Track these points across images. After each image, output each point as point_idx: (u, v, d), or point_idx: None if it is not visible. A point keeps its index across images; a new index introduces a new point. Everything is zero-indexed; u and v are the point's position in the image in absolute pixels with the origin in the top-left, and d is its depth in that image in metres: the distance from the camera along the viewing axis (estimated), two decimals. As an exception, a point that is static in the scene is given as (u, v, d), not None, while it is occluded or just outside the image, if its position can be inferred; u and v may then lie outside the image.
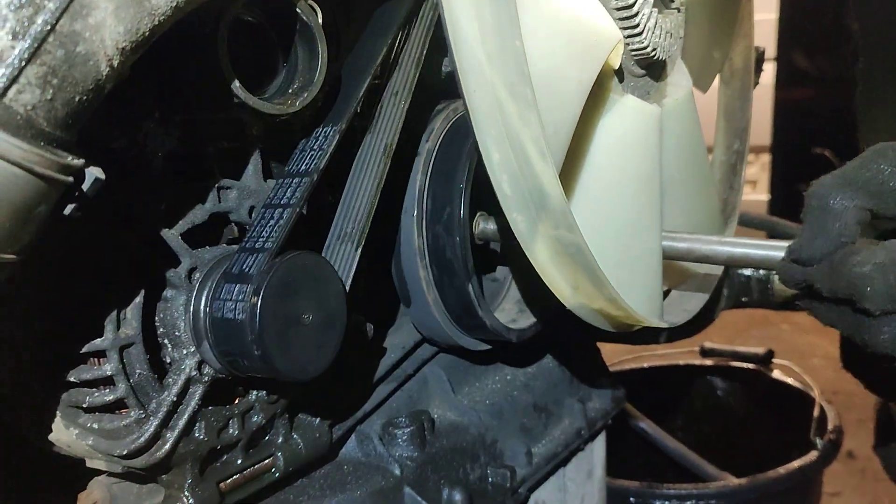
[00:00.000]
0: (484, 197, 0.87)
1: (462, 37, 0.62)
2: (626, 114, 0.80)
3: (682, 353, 2.24)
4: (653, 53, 0.79)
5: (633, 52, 0.79)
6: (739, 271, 1.42)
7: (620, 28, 0.76)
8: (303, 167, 0.69)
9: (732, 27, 1.11)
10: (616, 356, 2.17)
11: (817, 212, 0.67)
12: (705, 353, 2.23)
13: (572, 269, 0.69)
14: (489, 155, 0.65)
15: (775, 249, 0.73)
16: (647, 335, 1.44)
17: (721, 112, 1.18)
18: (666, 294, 1.00)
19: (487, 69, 0.62)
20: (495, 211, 0.89)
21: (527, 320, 0.96)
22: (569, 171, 0.78)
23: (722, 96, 1.18)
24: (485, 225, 0.89)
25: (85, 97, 0.45)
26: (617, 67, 0.78)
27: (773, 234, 1.51)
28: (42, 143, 0.44)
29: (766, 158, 5.06)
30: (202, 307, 0.64)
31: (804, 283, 0.68)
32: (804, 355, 3.28)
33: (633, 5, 0.75)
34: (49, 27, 0.42)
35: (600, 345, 1.31)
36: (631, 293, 0.73)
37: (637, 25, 0.77)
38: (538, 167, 0.63)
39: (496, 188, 0.66)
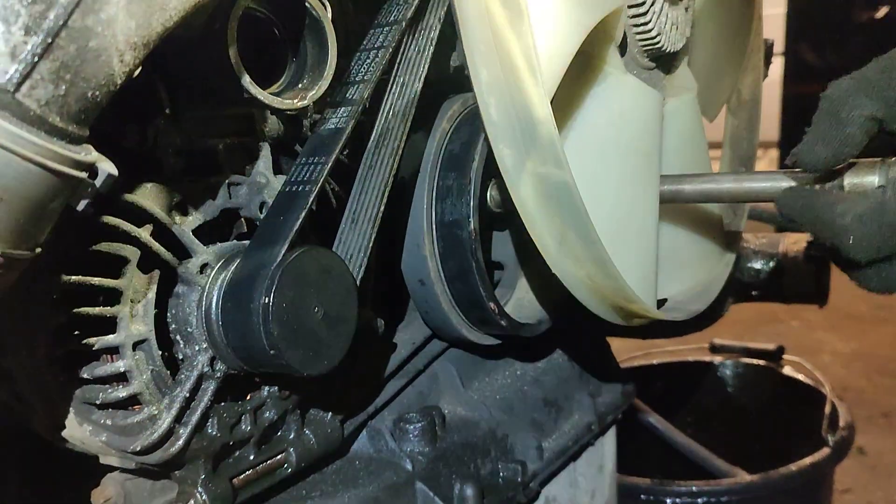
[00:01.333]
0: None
1: None
2: (625, 91, 0.78)
3: (691, 350, 2.23)
4: (658, 40, 0.79)
5: (639, 35, 0.79)
6: (749, 265, 1.42)
7: (628, 6, 0.76)
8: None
9: (741, 59, 1.11)
10: (626, 352, 2.17)
11: (826, 116, 0.64)
12: (715, 349, 2.23)
13: (559, 215, 0.64)
14: (477, 73, 0.61)
15: (779, 181, 0.70)
16: (659, 330, 1.44)
17: (727, 140, 1.18)
18: (662, 302, 0.99)
19: None
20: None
21: (537, 314, 0.96)
22: (562, 139, 0.73)
23: (728, 126, 1.18)
24: (492, 192, 0.87)
25: (97, 92, 0.45)
26: (619, 42, 0.77)
27: (783, 227, 1.50)
28: (55, 139, 0.44)
29: (774, 154, 5.05)
30: (214, 303, 0.64)
31: (796, 224, 0.67)
32: (813, 352, 3.27)
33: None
34: (61, 22, 0.42)
35: (610, 340, 1.30)
36: (624, 269, 0.70)
37: (643, 4, 0.76)
38: (528, 85, 0.59)
39: (483, 114, 0.62)
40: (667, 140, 0.85)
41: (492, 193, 0.88)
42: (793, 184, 0.69)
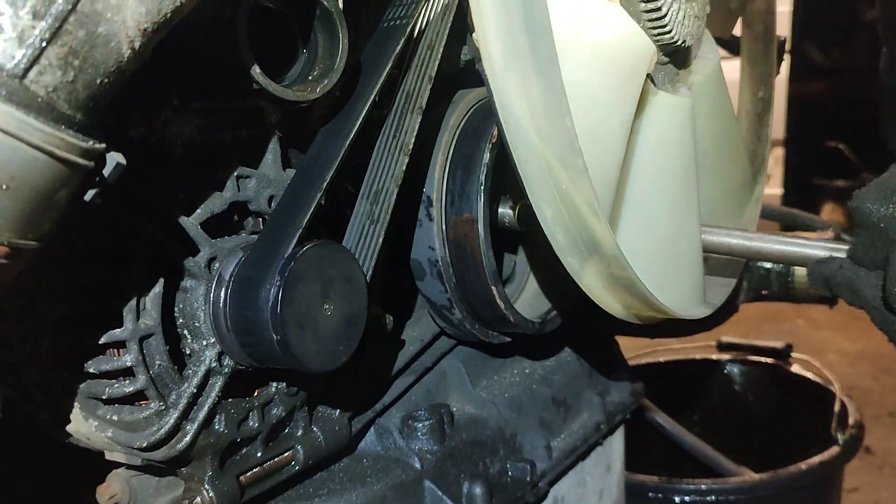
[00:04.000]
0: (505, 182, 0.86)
1: (511, 115, 0.64)
2: (660, 112, 0.80)
3: (698, 348, 2.22)
4: (675, 37, 0.78)
5: (656, 36, 0.78)
6: (759, 264, 1.40)
7: (648, 27, 0.76)
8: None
9: None
10: (632, 351, 2.15)
11: (864, 227, 0.68)
12: (723, 347, 2.21)
13: (624, 295, 0.72)
14: (542, 212, 0.67)
15: (827, 250, 0.74)
16: (667, 328, 1.42)
17: (745, 57, 1.16)
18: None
19: (539, 145, 0.64)
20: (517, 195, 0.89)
21: (547, 312, 0.95)
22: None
23: (745, 40, 1.15)
24: (504, 210, 0.89)
25: (106, 79, 0.44)
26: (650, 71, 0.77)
27: (795, 225, 1.49)
28: (63, 126, 0.43)
29: (779, 152, 5.03)
30: (222, 297, 0.63)
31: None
32: (819, 351, 3.25)
33: (660, 7, 0.75)
34: (70, 6, 0.41)
35: (616, 339, 1.29)
36: (675, 289, 0.77)
37: (665, 24, 0.76)
38: (591, 222, 0.66)
39: (550, 238, 0.68)
40: (696, 117, 0.85)
41: (503, 211, 0.89)
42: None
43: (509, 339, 0.95)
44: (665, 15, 0.75)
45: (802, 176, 4.90)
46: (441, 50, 0.76)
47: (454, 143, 0.86)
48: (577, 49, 0.70)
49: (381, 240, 0.72)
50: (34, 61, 0.40)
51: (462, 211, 0.83)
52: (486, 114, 0.86)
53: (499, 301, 0.85)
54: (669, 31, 0.77)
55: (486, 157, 0.83)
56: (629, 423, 1.25)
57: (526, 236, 0.97)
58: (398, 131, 0.74)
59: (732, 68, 1.13)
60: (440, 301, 0.87)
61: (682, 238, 0.85)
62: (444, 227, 0.84)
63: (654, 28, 0.77)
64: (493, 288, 0.84)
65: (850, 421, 1.78)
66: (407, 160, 0.74)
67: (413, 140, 0.75)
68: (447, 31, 0.76)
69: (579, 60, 0.71)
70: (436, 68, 0.76)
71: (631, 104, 0.75)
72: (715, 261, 1.02)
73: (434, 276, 0.85)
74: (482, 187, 0.82)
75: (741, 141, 1.09)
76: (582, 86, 0.70)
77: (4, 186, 0.41)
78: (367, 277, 0.69)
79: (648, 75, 0.79)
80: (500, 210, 0.89)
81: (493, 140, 0.83)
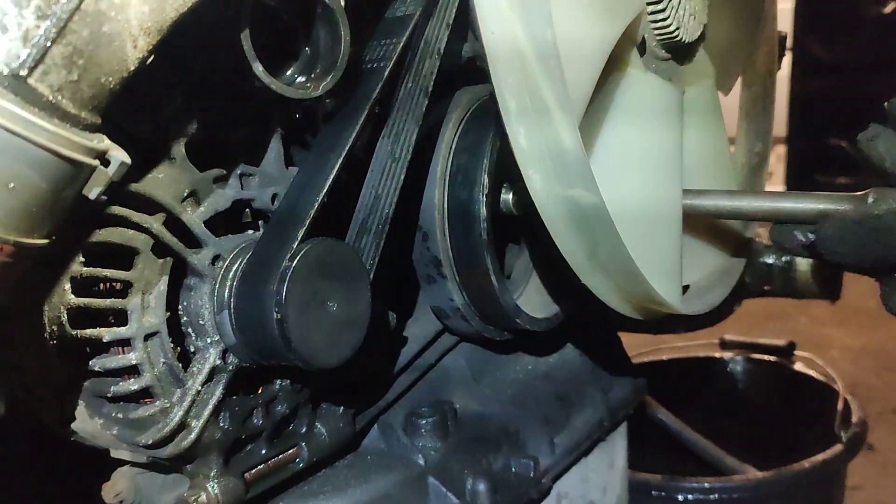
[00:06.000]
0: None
1: None
2: (646, 91, 0.78)
3: (701, 346, 2.22)
4: (677, 33, 0.78)
5: (657, 32, 0.78)
6: (761, 259, 1.40)
7: (648, 17, 0.76)
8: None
9: (755, 28, 1.09)
10: (635, 349, 2.15)
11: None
12: (725, 345, 2.21)
13: (589, 233, 0.66)
14: (506, 104, 0.62)
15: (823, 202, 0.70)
16: (670, 324, 1.43)
17: (742, 114, 1.17)
18: (685, 289, 0.99)
19: (508, 10, 0.60)
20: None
21: (550, 309, 0.95)
22: (585, 144, 0.75)
23: (744, 98, 1.16)
24: (506, 196, 0.87)
25: (110, 78, 0.44)
26: (639, 42, 0.76)
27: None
28: (68, 126, 0.43)
29: (781, 150, 5.02)
30: (226, 295, 0.64)
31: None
32: (822, 347, 3.24)
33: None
34: (74, 6, 0.41)
35: (619, 336, 1.29)
36: (651, 271, 0.70)
37: (666, 17, 0.76)
38: (557, 117, 0.60)
39: (512, 141, 0.63)
40: (686, 129, 0.84)
41: (505, 196, 0.87)
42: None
43: (512, 336, 0.95)
44: (665, 8, 0.75)
45: (804, 173, 4.89)
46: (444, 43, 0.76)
47: (457, 137, 0.86)
48: None
49: (384, 236, 0.72)
50: (39, 61, 0.41)
51: (466, 205, 0.83)
52: (491, 111, 0.86)
53: (504, 299, 0.86)
54: (668, 22, 0.77)
55: (490, 153, 0.83)
56: (632, 421, 1.25)
57: (528, 231, 0.97)
58: (401, 126, 0.74)
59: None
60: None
61: (659, 219, 0.81)
62: (446, 222, 0.84)
63: (655, 20, 0.77)
64: (496, 285, 0.84)
65: (854, 419, 1.78)
66: (410, 155, 0.74)
67: (416, 135, 0.75)
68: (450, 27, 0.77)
69: None
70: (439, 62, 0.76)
71: (615, 27, 0.70)
72: (716, 257, 1.02)
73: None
74: (486, 184, 0.82)
75: (732, 167, 1.09)
76: None
77: (10, 186, 0.41)
78: (371, 273, 0.70)
79: (638, 52, 0.78)
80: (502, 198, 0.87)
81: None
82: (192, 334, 0.65)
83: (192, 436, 0.64)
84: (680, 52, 0.84)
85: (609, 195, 0.64)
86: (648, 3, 0.75)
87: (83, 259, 0.58)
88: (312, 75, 0.68)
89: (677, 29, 0.78)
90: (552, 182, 0.63)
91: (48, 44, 0.41)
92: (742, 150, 1.17)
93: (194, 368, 0.64)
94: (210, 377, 0.65)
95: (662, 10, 0.76)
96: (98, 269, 0.60)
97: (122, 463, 0.69)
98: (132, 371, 0.62)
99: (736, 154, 1.17)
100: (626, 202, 0.75)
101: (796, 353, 2.12)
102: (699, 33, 0.82)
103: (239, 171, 0.67)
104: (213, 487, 0.67)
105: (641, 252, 0.69)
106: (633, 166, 0.80)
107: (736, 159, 1.17)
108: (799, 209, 0.72)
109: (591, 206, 0.63)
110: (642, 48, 0.79)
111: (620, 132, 0.77)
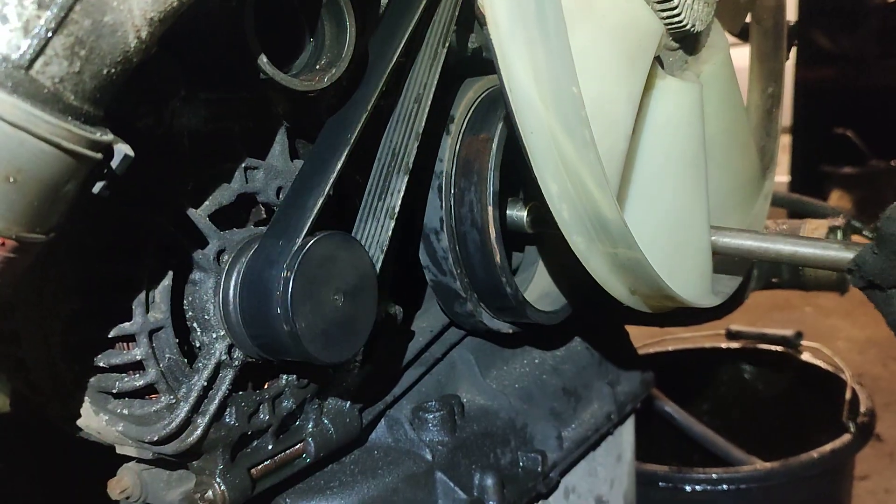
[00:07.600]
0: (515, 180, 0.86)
1: (517, 81, 0.63)
2: (668, 97, 0.79)
3: (707, 336, 2.21)
4: (692, 28, 0.77)
5: (666, 22, 0.77)
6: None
7: (658, 10, 0.75)
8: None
9: None
10: (641, 340, 2.14)
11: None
12: (732, 335, 2.20)
13: (631, 279, 0.70)
14: (547, 186, 0.66)
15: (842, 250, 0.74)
16: (677, 317, 1.42)
17: (754, 54, 1.14)
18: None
19: (544, 113, 0.62)
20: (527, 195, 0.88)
21: (557, 303, 0.95)
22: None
23: (754, 37, 1.13)
24: (512, 212, 0.88)
25: (113, 70, 0.43)
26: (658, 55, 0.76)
27: (803, 212, 1.48)
28: (70, 118, 0.42)
29: (786, 140, 5.00)
30: (232, 289, 0.63)
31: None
32: (828, 338, 3.23)
33: None
34: (75, -5, 0.40)
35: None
36: (683, 276, 0.75)
37: (675, 7, 0.75)
38: (598, 197, 0.64)
39: (555, 215, 0.67)
40: (705, 107, 0.83)
41: (513, 213, 0.88)
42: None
43: (519, 329, 0.95)
44: (676, 6, 0.75)
45: (810, 163, 4.87)
46: (448, 39, 0.75)
47: (463, 131, 0.85)
48: (584, 19, 0.68)
49: (390, 230, 0.71)
50: (40, 52, 0.40)
51: (472, 200, 0.83)
52: (496, 102, 0.85)
53: (510, 292, 0.85)
54: (679, 14, 0.76)
55: (495, 152, 0.82)
56: (639, 412, 1.25)
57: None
58: (408, 118, 0.73)
59: (742, 54, 1.12)
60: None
61: (690, 225, 0.84)
62: (452, 215, 0.84)
63: (664, 11, 0.76)
64: (503, 278, 0.84)
65: (861, 409, 1.77)
66: (416, 149, 0.73)
67: (422, 128, 0.74)
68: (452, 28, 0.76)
69: (587, 31, 0.69)
70: (444, 56, 0.75)
71: (640, 79, 0.74)
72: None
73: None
74: (492, 180, 0.81)
75: (750, 133, 1.08)
76: (589, 56, 0.68)
77: (11, 179, 0.40)
78: (378, 268, 0.69)
79: (658, 59, 0.78)
80: (509, 213, 0.88)
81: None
82: (198, 329, 0.64)
83: (198, 432, 0.63)
84: (689, 40, 0.83)
85: (644, 214, 0.72)
86: (661, 12, 0.75)
87: (86, 254, 0.58)
88: (317, 67, 0.67)
89: (693, 25, 0.78)
90: (595, 243, 0.68)
91: (49, 34, 0.40)
92: (755, 92, 1.15)
93: (200, 364, 0.64)
94: (216, 373, 0.64)
95: (678, 16, 0.76)
96: (102, 264, 0.59)
97: (127, 459, 0.68)
98: (137, 367, 0.62)
99: (749, 97, 1.15)
100: (660, 216, 0.81)
101: (803, 343, 2.11)
102: (709, 19, 0.80)
103: (244, 165, 0.66)
104: (219, 483, 0.66)
105: (676, 263, 0.77)
106: (663, 175, 0.82)
107: (749, 101, 1.15)
108: (816, 255, 0.77)
109: (634, 260, 0.68)
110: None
111: (649, 146, 0.79)
